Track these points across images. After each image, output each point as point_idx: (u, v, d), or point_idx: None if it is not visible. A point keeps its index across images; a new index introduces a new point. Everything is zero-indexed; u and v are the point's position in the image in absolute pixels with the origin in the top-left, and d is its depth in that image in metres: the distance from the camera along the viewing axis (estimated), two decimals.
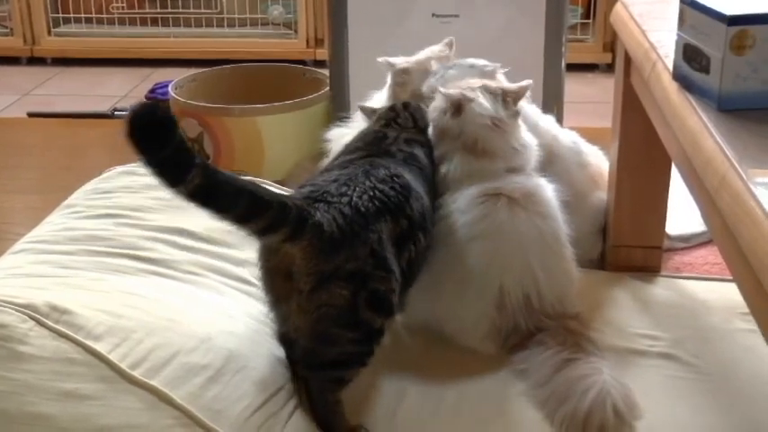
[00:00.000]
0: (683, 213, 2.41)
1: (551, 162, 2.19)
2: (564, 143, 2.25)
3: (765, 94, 1.43)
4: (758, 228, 1.11)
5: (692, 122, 1.43)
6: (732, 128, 1.36)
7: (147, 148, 1.34)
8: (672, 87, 1.57)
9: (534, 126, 2.21)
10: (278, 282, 1.59)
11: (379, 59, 2.32)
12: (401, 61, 2.29)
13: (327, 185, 1.63)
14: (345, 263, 1.54)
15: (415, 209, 1.71)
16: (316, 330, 1.56)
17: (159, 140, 1.34)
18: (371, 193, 1.63)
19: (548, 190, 1.92)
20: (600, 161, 2.34)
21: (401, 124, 1.92)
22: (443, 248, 1.83)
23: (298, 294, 1.55)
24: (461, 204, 1.86)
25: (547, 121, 2.27)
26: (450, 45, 2.32)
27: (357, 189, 1.62)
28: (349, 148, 1.87)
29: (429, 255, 1.79)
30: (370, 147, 1.84)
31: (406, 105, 1.98)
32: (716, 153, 1.30)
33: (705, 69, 1.46)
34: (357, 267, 1.55)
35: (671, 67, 1.59)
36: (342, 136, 2.24)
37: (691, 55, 1.51)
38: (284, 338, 1.68)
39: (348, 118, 2.41)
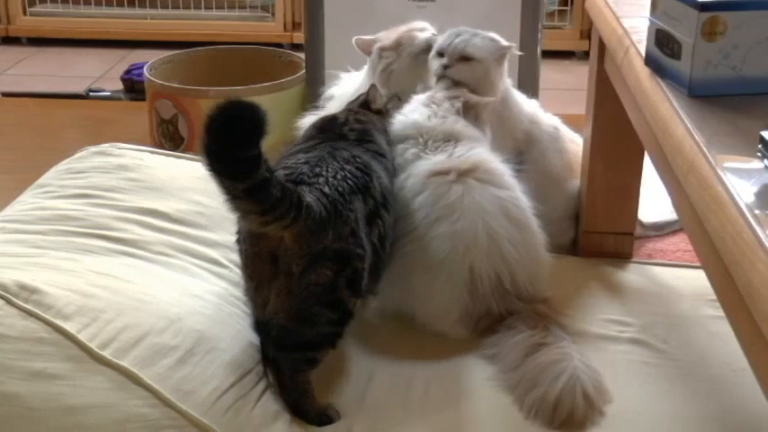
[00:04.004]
0: (657, 202, 2.42)
1: (529, 146, 2.20)
2: (544, 128, 2.25)
3: (736, 80, 1.44)
4: (725, 213, 1.12)
5: (662, 108, 1.43)
6: (702, 114, 1.37)
7: (232, 144, 1.36)
8: (644, 73, 1.57)
9: (516, 107, 2.21)
10: (262, 266, 1.58)
11: (355, 38, 2.31)
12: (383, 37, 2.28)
13: (300, 167, 1.62)
14: (332, 243, 1.55)
15: (377, 187, 1.72)
16: (300, 310, 1.57)
17: (247, 140, 1.36)
18: (342, 174, 1.63)
19: (495, 161, 1.93)
20: (580, 148, 2.34)
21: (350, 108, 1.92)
22: (408, 235, 1.83)
23: (286, 277, 1.55)
24: (412, 184, 1.86)
25: (530, 105, 2.27)
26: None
27: (329, 169, 1.62)
28: (304, 137, 1.86)
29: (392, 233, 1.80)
30: (324, 133, 1.83)
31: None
32: (685, 139, 1.31)
33: (676, 55, 1.46)
34: (341, 247, 1.57)
35: (644, 52, 1.60)
36: None
37: (662, 40, 1.51)
38: (260, 326, 1.66)
39: (318, 107, 2.40)
